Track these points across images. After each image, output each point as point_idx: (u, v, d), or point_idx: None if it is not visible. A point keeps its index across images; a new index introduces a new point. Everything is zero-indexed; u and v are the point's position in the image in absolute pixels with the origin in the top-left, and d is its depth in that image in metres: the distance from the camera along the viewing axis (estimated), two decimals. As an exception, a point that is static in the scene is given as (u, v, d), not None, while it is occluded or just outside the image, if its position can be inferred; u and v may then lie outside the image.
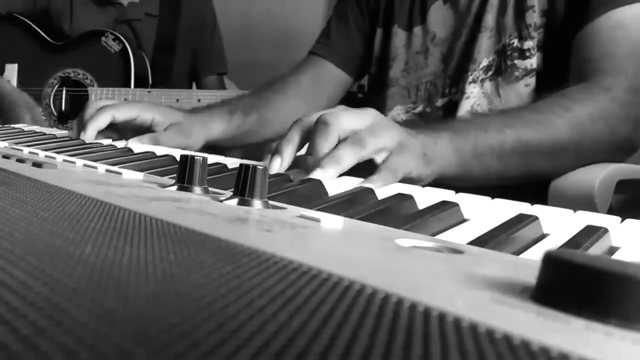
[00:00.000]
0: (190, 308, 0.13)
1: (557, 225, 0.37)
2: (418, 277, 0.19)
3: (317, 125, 0.51)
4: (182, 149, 0.77)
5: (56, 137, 0.78)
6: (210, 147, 0.88)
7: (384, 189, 0.47)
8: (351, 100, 1.04)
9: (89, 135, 0.74)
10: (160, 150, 0.66)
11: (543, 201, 0.50)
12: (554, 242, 0.33)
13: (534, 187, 0.64)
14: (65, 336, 0.10)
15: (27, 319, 0.11)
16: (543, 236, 0.36)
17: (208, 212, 0.28)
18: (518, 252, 0.31)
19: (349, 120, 0.51)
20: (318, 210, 0.35)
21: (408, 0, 0.90)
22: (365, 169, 0.50)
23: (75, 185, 0.32)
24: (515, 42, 0.78)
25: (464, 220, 0.39)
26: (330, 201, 0.40)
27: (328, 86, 0.98)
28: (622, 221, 0.38)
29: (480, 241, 0.31)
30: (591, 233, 0.34)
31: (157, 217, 0.24)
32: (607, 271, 0.15)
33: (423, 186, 0.48)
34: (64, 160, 0.49)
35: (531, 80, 0.77)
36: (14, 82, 1.51)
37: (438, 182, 0.58)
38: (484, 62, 0.80)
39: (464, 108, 0.81)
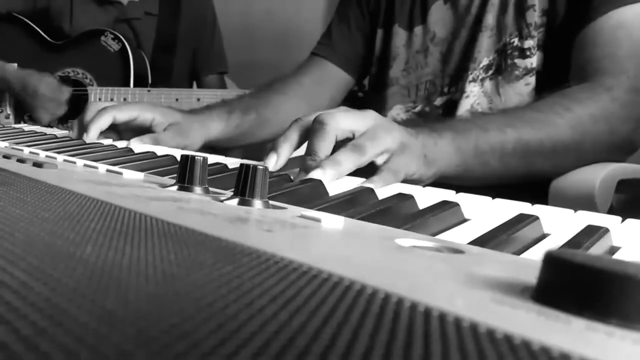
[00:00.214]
0: (191, 308, 0.13)
1: (558, 225, 0.37)
2: (418, 277, 0.19)
3: (315, 125, 0.51)
4: (181, 149, 0.77)
5: (57, 137, 0.78)
6: (211, 147, 0.88)
7: (384, 188, 0.47)
8: (351, 98, 1.04)
9: (92, 136, 0.74)
10: (160, 150, 0.67)
11: (544, 201, 0.49)
12: (554, 242, 0.33)
13: (534, 187, 0.64)
14: (66, 336, 0.10)
15: (28, 319, 0.11)
16: (544, 236, 0.36)
17: (208, 212, 0.28)
18: (519, 252, 0.31)
19: (346, 120, 0.51)
20: (318, 210, 0.35)
21: (408, 0, 0.90)
22: (366, 170, 0.50)
23: (75, 185, 0.32)
24: (516, 41, 0.78)
25: (465, 220, 0.39)
26: (331, 201, 0.40)
27: (330, 87, 0.98)
28: (622, 221, 0.38)
29: (480, 241, 0.31)
30: (592, 233, 0.34)
31: (158, 217, 0.24)
32: (608, 271, 0.15)
33: (424, 186, 0.48)
34: (65, 160, 0.49)
35: (531, 80, 0.77)
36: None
37: (439, 182, 0.58)
38: (484, 61, 0.81)
39: (464, 107, 0.81)
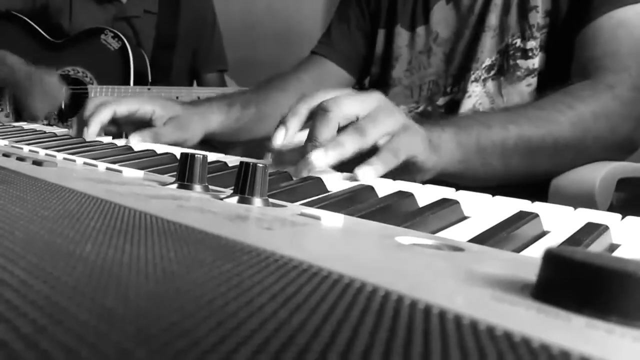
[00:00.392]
0: (190, 306, 0.13)
1: (558, 222, 0.37)
2: (418, 274, 0.19)
3: (318, 111, 0.50)
4: (181, 142, 0.77)
5: (56, 136, 0.78)
6: (211, 144, 0.88)
7: (384, 186, 0.47)
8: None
9: (92, 130, 0.74)
10: (160, 148, 0.66)
11: (544, 199, 0.49)
12: (554, 239, 0.33)
13: (534, 185, 0.64)
14: (66, 335, 0.10)
15: (28, 317, 0.11)
16: (543, 233, 0.36)
17: (208, 210, 0.28)
18: (518, 250, 0.31)
19: (350, 106, 0.50)
20: (318, 208, 0.35)
21: (411, 0, 0.90)
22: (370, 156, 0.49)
23: (75, 184, 0.32)
24: (518, 42, 0.78)
25: (465, 218, 0.39)
26: (331, 199, 0.40)
27: (329, 85, 0.98)
28: (622, 218, 0.38)
29: (480, 239, 0.31)
30: (592, 230, 0.34)
31: (157, 215, 0.24)
32: (608, 268, 0.15)
33: (423, 183, 0.48)
34: (64, 159, 0.49)
35: (533, 80, 0.77)
36: None
37: (439, 181, 0.58)
38: (487, 62, 0.80)
39: (466, 107, 0.81)
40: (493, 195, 0.43)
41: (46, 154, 0.51)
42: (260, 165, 0.32)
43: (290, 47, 1.74)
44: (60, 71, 1.50)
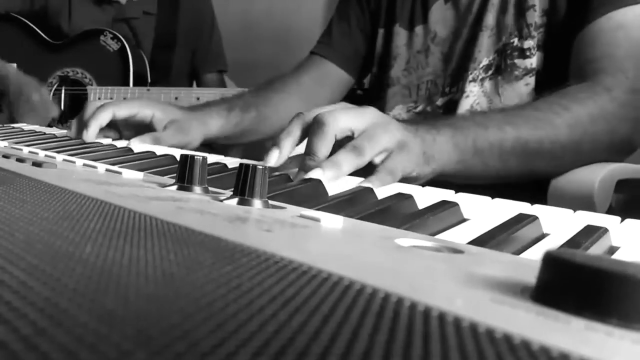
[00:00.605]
0: (190, 308, 0.13)
1: (557, 225, 0.37)
2: (418, 276, 0.19)
3: (314, 125, 0.51)
4: (181, 146, 0.77)
5: (56, 137, 0.78)
6: (211, 146, 0.88)
7: (383, 188, 0.47)
8: (350, 96, 1.04)
9: (91, 132, 0.74)
10: (160, 150, 0.66)
11: (543, 201, 0.49)
12: (553, 241, 0.33)
13: (533, 187, 0.64)
14: (66, 336, 0.10)
15: (28, 318, 0.11)
16: (543, 236, 0.36)
17: (208, 211, 0.28)
18: (518, 252, 0.31)
19: (346, 120, 0.51)
20: (318, 209, 0.35)
21: (409, 0, 0.90)
22: (365, 169, 0.50)
23: (75, 185, 0.32)
24: (516, 41, 0.78)
25: (464, 220, 0.39)
26: (330, 201, 0.40)
27: (329, 86, 0.98)
28: (622, 221, 0.38)
29: (480, 241, 0.31)
30: (591, 233, 0.34)
31: (157, 217, 0.24)
32: (607, 271, 0.15)
33: (423, 185, 0.48)
34: (64, 160, 0.49)
35: (531, 80, 0.77)
36: None
37: (438, 180, 0.58)
38: (484, 61, 0.81)
39: (464, 107, 0.81)
40: (492, 197, 0.43)
41: (46, 155, 0.51)
42: (260, 167, 0.32)
43: (290, 48, 1.74)
44: (60, 72, 1.50)
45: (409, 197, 0.42)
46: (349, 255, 0.22)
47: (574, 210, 0.40)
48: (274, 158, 0.52)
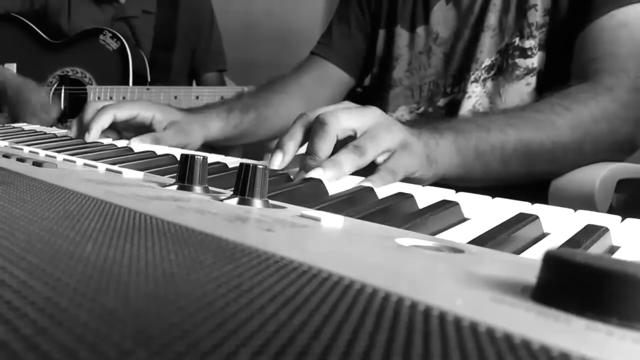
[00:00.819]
0: (190, 307, 0.13)
1: (558, 224, 0.37)
2: (418, 276, 0.19)
3: (316, 125, 0.51)
4: (182, 147, 0.77)
5: (56, 137, 0.78)
6: (211, 146, 0.88)
7: (384, 188, 0.47)
8: (350, 95, 1.04)
9: (93, 135, 0.74)
10: (160, 150, 0.66)
11: (543, 200, 0.49)
12: (554, 241, 0.33)
13: (534, 187, 0.64)
14: (66, 336, 0.10)
15: (28, 318, 0.11)
16: (543, 235, 0.36)
17: (208, 211, 0.28)
18: (518, 252, 0.31)
19: (348, 120, 0.50)
20: (318, 209, 0.35)
21: (411, 0, 0.90)
22: (367, 169, 0.50)
23: (75, 185, 0.32)
24: (517, 41, 0.78)
25: (464, 220, 0.39)
26: (331, 200, 0.40)
27: (329, 87, 0.98)
28: (622, 220, 0.38)
29: (480, 240, 0.31)
30: (592, 232, 0.34)
31: (157, 216, 0.24)
32: (608, 270, 0.15)
33: (423, 185, 0.48)
34: (64, 160, 0.49)
35: (532, 80, 0.77)
36: None
37: (439, 183, 0.58)
38: (487, 62, 0.80)
39: (466, 107, 0.81)
40: (493, 197, 0.43)
41: (46, 155, 0.51)
42: (260, 166, 0.32)
43: (290, 48, 1.74)
44: (60, 72, 1.50)
45: (409, 197, 0.42)
46: (349, 254, 0.22)
47: (575, 210, 0.40)
48: (278, 161, 0.52)
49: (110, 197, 0.29)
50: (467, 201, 0.41)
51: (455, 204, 0.39)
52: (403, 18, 0.91)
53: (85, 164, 0.46)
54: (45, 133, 0.82)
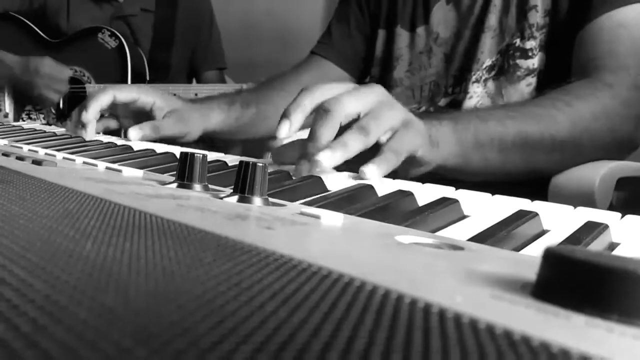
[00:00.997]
0: (190, 305, 0.13)
1: (558, 221, 0.37)
2: (418, 273, 0.19)
3: (320, 111, 0.50)
4: (182, 135, 0.77)
5: (56, 135, 0.78)
6: (211, 142, 0.88)
7: (384, 185, 0.47)
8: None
9: (91, 112, 0.74)
10: (160, 148, 0.66)
11: (543, 197, 0.49)
12: (554, 238, 0.33)
13: (534, 184, 0.64)
14: (66, 333, 0.10)
15: (28, 316, 0.11)
16: (543, 232, 0.36)
17: (208, 209, 0.28)
18: (518, 248, 0.31)
19: (351, 104, 0.50)
20: (318, 207, 0.35)
21: (411, 1, 0.90)
22: (371, 149, 0.50)
23: (75, 183, 0.32)
24: (518, 41, 0.78)
25: (464, 217, 0.39)
26: (330, 198, 0.40)
27: None
28: (622, 217, 0.38)
29: (480, 237, 0.31)
30: (591, 229, 0.34)
31: (157, 215, 0.24)
32: (608, 267, 0.15)
33: (423, 182, 0.48)
34: (64, 158, 0.49)
35: (532, 80, 0.77)
36: None
37: (439, 177, 0.58)
38: (487, 62, 0.80)
39: (467, 107, 0.81)
40: (493, 194, 0.43)
41: (46, 154, 0.51)
42: (260, 164, 0.32)
43: (289, 48, 1.74)
44: None
45: (409, 194, 0.42)
46: (349, 252, 0.22)
47: (575, 207, 0.40)
48: (285, 129, 0.52)
49: (109, 195, 0.29)
50: (467, 198, 0.41)
51: (455, 201, 0.39)
52: (403, 18, 0.91)
53: (84, 163, 0.46)
54: (44, 132, 0.82)
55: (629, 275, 0.15)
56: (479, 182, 0.53)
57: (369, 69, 0.97)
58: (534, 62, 0.77)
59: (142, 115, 0.79)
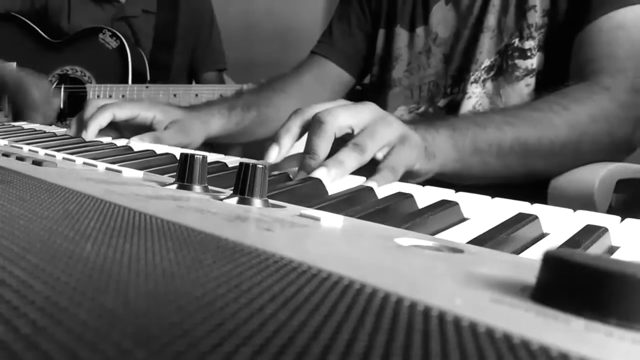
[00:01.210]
0: (190, 307, 0.13)
1: (557, 224, 0.37)
2: (418, 276, 0.19)
3: (313, 123, 0.51)
4: (183, 147, 0.77)
5: (56, 135, 0.78)
6: (211, 145, 0.88)
7: (383, 187, 0.47)
8: (350, 93, 1.04)
9: (90, 133, 0.74)
10: (160, 149, 0.66)
11: (543, 200, 0.50)
12: (553, 241, 0.33)
13: (533, 187, 0.64)
14: (65, 335, 0.10)
15: (28, 317, 0.11)
16: (543, 235, 0.36)
17: (208, 210, 0.28)
18: (518, 252, 0.31)
19: (345, 117, 0.50)
20: (318, 209, 0.35)
21: (410, 0, 0.90)
22: (366, 167, 0.50)
23: (75, 184, 0.32)
24: (516, 42, 0.78)
25: (464, 220, 0.39)
26: (330, 200, 0.40)
27: (329, 85, 0.98)
28: (621, 221, 0.38)
29: (480, 240, 0.31)
30: (591, 232, 0.34)
31: (157, 216, 0.24)
32: (607, 271, 0.15)
33: (423, 184, 0.48)
34: (64, 159, 0.49)
35: (531, 81, 0.77)
36: None
37: (438, 180, 0.58)
38: (486, 62, 0.81)
39: (466, 108, 0.81)
40: (492, 197, 0.43)
41: (46, 154, 0.51)
42: (260, 166, 0.32)
43: (290, 48, 1.74)
44: (59, 70, 1.50)
45: (409, 197, 0.42)
46: (348, 254, 0.22)
47: (574, 210, 0.40)
48: (274, 155, 0.52)
49: (109, 196, 0.29)
50: (467, 201, 0.41)
51: (454, 204, 0.39)
52: (403, 18, 0.91)
53: (84, 163, 0.46)
54: (44, 132, 0.82)
55: (628, 279, 0.15)
56: (479, 185, 0.53)
57: (370, 68, 0.97)
58: (533, 63, 0.77)
59: (143, 129, 0.79)
